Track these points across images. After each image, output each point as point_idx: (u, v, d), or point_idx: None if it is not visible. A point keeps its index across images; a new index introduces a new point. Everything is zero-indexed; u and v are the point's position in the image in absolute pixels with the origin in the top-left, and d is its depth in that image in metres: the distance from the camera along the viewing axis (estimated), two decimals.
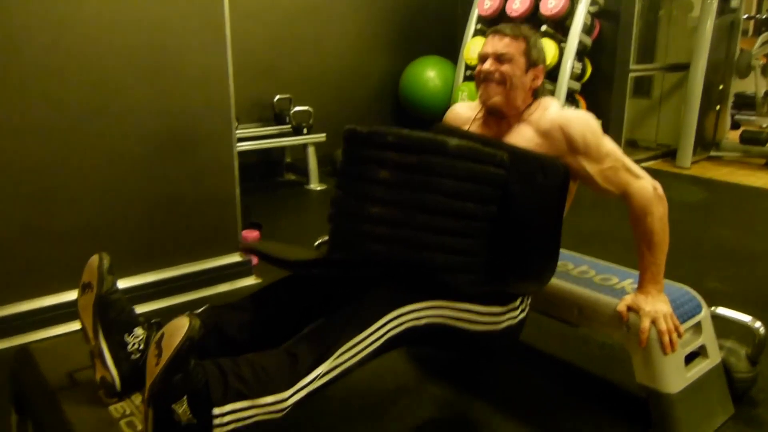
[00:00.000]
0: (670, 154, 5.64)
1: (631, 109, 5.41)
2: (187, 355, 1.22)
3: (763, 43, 5.69)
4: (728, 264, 3.19)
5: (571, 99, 4.80)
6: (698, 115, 5.25)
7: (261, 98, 4.77)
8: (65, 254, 2.38)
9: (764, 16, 6.33)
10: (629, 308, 1.76)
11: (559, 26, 4.73)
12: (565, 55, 4.65)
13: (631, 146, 5.75)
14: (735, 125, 6.06)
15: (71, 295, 2.39)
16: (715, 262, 3.22)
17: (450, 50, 5.44)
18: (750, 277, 3.03)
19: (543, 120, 1.76)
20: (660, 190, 1.75)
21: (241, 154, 3.04)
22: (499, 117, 1.83)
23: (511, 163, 1.61)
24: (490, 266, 1.62)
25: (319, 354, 1.38)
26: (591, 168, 1.73)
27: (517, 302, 1.70)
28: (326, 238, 2.47)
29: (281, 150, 4.97)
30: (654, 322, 1.71)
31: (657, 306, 1.73)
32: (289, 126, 4.67)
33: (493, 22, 5.07)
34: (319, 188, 4.65)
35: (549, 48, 4.64)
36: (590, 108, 4.96)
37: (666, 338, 1.70)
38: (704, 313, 1.88)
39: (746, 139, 5.68)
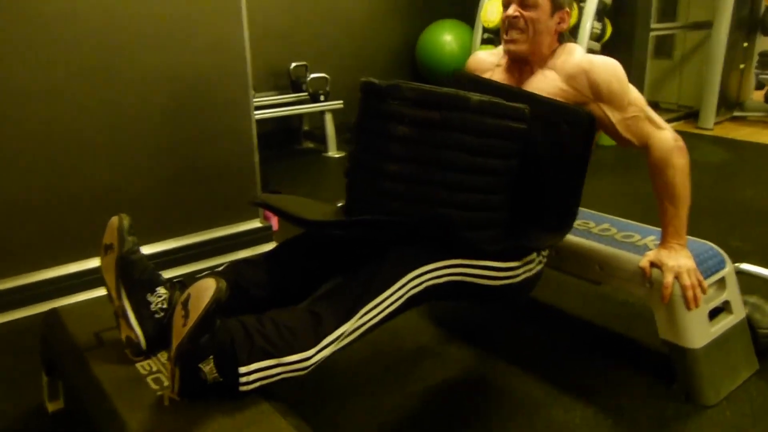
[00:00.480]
0: (692, 115, 5.53)
1: (653, 70, 5.30)
2: (213, 316, 1.23)
3: None
4: (752, 223, 3.15)
5: None
6: (721, 75, 5.13)
7: (277, 66, 4.74)
8: (87, 221, 2.41)
9: None
10: (652, 264, 1.75)
11: None
12: (584, 15, 4.55)
13: (652, 108, 5.61)
14: (759, 85, 5.93)
15: (95, 262, 2.44)
16: (738, 221, 3.18)
17: (467, 13, 5.35)
18: None
19: (568, 65, 1.72)
20: (681, 142, 1.73)
21: (259, 122, 3.03)
22: (523, 63, 1.80)
23: (533, 114, 1.57)
24: (510, 221, 1.60)
25: (341, 314, 1.39)
26: (613, 116, 1.70)
27: (534, 255, 1.69)
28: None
29: (299, 118, 4.96)
30: (677, 277, 1.70)
31: (680, 261, 1.71)
32: (306, 93, 4.64)
33: None
34: (337, 155, 4.64)
35: None
36: None
37: (690, 293, 1.69)
38: (728, 269, 1.86)
39: None
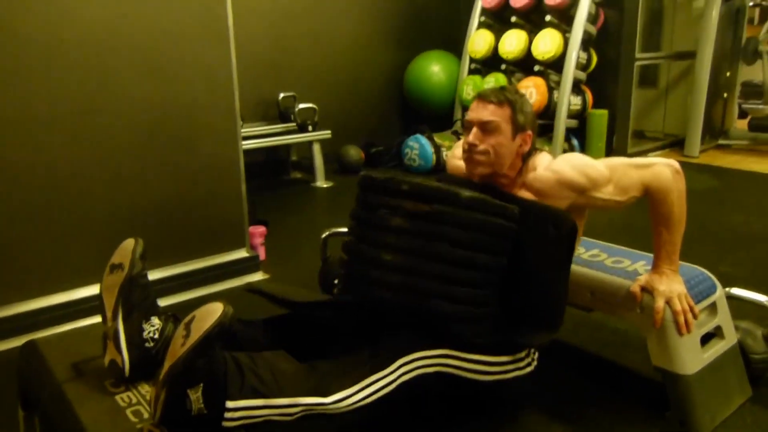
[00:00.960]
0: (677, 143, 5.59)
1: (638, 100, 5.36)
2: (215, 340, 1.22)
3: None
4: (740, 248, 3.15)
5: (577, 89, 4.77)
6: (706, 104, 5.20)
7: (265, 97, 4.75)
8: (70, 252, 2.37)
9: None
10: (643, 289, 1.73)
11: (564, 16, 4.69)
12: (570, 45, 4.61)
13: (638, 137, 5.70)
14: (742, 114, 6.01)
15: (79, 293, 2.40)
16: (727, 247, 3.18)
17: (454, 44, 5.42)
18: (763, 260, 2.99)
19: (536, 183, 1.72)
20: (676, 165, 1.72)
21: (247, 153, 3.03)
22: (494, 181, 1.79)
23: (521, 216, 1.59)
24: (499, 317, 1.62)
25: (338, 380, 1.40)
26: (606, 193, 1.69)
27: (523, 354, 1.69)
28: (333, 230, 2.48)
29: (287, 148, 4.95)
30: (668, 302, 1.68)
31: (672, 286, 1.70)
32: (294, 124, 4.65)
33: (497, 15, 5.05)
34: (325, 185, 4.63)
35: (554, 38, 4.60)
36: (597, 98, 4.92)
37: (681, 318, 1.68)
38: (719, 293, 1.84)
39: (755, 126, 5.62)
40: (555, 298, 1.67)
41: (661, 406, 1.80)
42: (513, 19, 4.89)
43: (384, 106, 5.55)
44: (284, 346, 1.53)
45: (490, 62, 5.05)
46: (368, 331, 1.54)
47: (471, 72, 5.19)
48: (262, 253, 3.04)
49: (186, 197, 2.68)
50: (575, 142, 4.91)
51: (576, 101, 4.77)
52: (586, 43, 4.75)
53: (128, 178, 2.52)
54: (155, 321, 1.45)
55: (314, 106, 4.69)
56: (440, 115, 5.33)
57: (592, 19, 4.70)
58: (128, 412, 1.32)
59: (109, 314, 1.42)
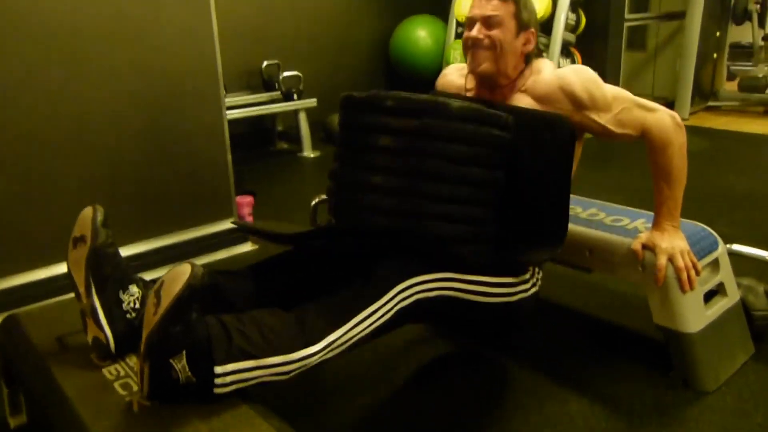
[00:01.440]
0: (667, 106, 5.46)
1: (627, 63, 5.29)
2: (187, 304, 1.14)
3: None
4: (736, 208, 3.12)
5: (566, 52, 4.68)
6: (695, 65, 5.14)
7: (249, 65, 4.64)
8: (52, 224, 2.28)
9: None
10: (644, 246, 1.69)
11: None
12: (558, 6, 4.52)
13: None
14: (731, 76, 5.96)
15: (62, 267, 2.32)
16: (722, 207, 3.15)
17: (440, 8, 5.30)
18: (759, 220, 2.96)
19: (538, 85, 1.64)
20: (678, 118, 1.67)
21: (232, 123, 2.93)
22: (491, 86, 1.70)
23: (516, 125, 1.50)
24: (499, 235, 1.53)
25: (329, 324, 1.32)
26: (602, 118, 1.62)
27: (528, 275, 1.63)
28: (322, 197, 2.40)
29: (272, 119, 4.85)
30: (671, 259, 1.64)
31: (674, 242, 1.65)
32: (279, 93, 4.54)
33: None
34: (312, 155, 4.55)
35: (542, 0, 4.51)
36: (586, 61, 4.83)
37: (684, 275, 1.63)
38: (721, 250, 1.80)
39: (745, 86, 5.57)
40: (556, 208, 1.59)
41: (663, 365, 1.77)
42: None
43: (370, 72, 5.45)
44: (274, 291, 1.46)
45: None
46: (362, 261, 1.44)
47: (458, 36, 5.07)
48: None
49: (170, 167, 2.59)
50: None
51: (565, 64, 4.69)
52: (575, 4, 4.65)
53: (109, 148, 2.42)
54: (133, 290, 1.35)
55: (299, 73, 4.58)
56: (427, 80, 5.21)
57: None
58: (116, 385, 1.26)
59: (82, 291, 1.33)
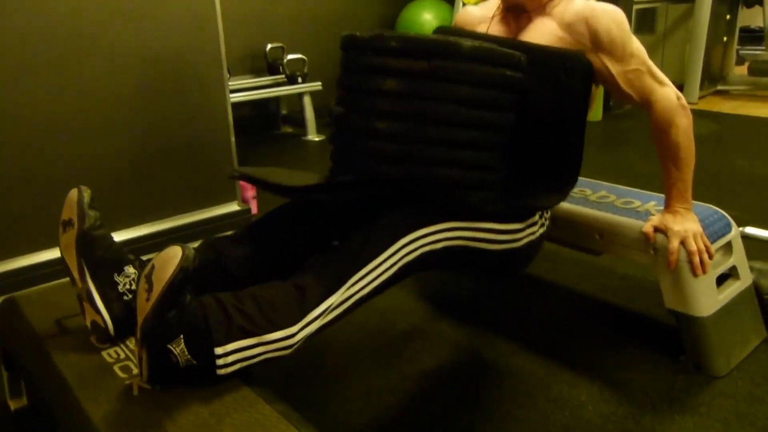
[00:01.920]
0: None
1: None
2: (180, 287, 1.10)
3: None
4: (748, 192, 3.07)
5: None
6: (705, 49, 5.06)
7: (253, 48, 4.59)
8: (54, 208, 2.25)
9: None
10: (656, 229, 1.65)
11: None
12: None
13: None
14: (740, 61, 5.88)
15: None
16: (734, 190, 3.10)
17: None
18: None
19: (567, 12, 1.58)
20: (684, 100, 1.62)
21: (236, 107, 2.89)
22: (519, 12, 1.66)
23: (529, 64, 1.43)
24: (509, 181, 1.48)
25: (328, 285, 1.26)
26: (614, 68, 1.57)
27: (537, 217, 1.58)
28: None
29: (276, 102, 4.81)
30: (683, 242, 1.60)
31: (686, 225, 1.61)
32: (283, 76, 4.49)
33: None
34: (317, 139, 4.50)
35: None
36: None
37: (696, 259, 1.59)
38: (734, 232, 1.76)
39: (755, 70, 5.49)
40: (567, 153, 1.54)
41: (674, 350, 1.74)
42: None
43: None
44: (276, 249, 1.42)
45: None
46: (365, 213, 1.39)
47: None
48: (254, 207, 2.94)
49: (173, 149, 2.55)
50: None
51: None
52: None
53: (111, 130, 2.38)
54: (129, 271, 1.32)
55: (304, 57, 4.52)
56: None
57: None
58: (116, 368, 1.24)
59: (75, 275, 1.29)
